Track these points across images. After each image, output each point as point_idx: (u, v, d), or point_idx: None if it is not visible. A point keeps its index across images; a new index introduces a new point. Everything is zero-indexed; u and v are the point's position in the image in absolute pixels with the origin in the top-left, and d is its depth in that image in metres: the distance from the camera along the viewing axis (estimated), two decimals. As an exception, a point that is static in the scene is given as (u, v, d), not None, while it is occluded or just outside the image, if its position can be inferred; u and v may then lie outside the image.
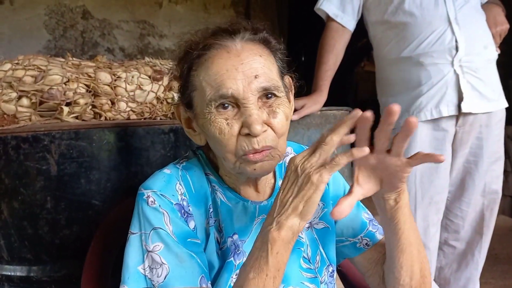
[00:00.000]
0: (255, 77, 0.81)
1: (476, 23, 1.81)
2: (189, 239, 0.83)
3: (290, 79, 0.94)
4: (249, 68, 0.81)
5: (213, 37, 0.85)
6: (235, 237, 0.90)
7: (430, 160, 0.75)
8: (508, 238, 3.37)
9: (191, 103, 0.88)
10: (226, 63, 0.82)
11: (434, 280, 2.01)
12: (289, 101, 0.91)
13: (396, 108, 0.69)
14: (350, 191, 0.78)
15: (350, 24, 1.89)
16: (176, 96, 1.82)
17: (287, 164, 0.77)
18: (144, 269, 0.80)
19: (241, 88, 0.80)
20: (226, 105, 0.82)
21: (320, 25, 1.97)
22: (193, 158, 0.96)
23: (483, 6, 1.91)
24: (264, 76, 0.82)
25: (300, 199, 0.72)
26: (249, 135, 0.80)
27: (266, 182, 0.96)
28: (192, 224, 0.86)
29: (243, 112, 0.81)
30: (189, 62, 0.87)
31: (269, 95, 0.84)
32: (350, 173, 2.05)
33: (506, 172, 3.99)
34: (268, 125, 0.83)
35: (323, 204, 1.01)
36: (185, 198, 0.87)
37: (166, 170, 0.91)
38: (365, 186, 0.79)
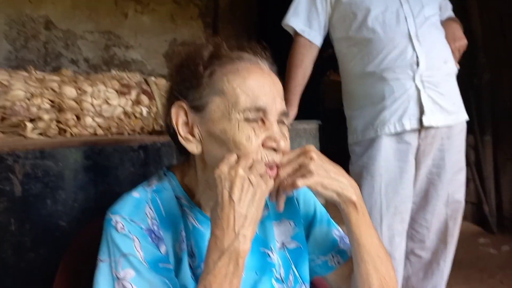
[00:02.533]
0: (280, 99, 0.88)
1: (436, 39, 1.88)
2: (160, 265, 0.82)
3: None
4: (277, 89, 0.88)
5: (246, 50, 0.89)
6: None
7: None
8: (470, 243, 3.47)
9: (203, 107, 0.86)
10: (262, 79, 0.86)
11: (401, 289, 2.05)
12: None
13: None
14: None
15: (317, 39, 1.93)
16: (145, 110, 1.80)
17: (219, 174, 0.79)
18: None
19: (270, 103, 0.84)
20: (255, 117, 0.84)
21: (290, 37, 2.00)
22: (163, 180, 0.94)
23: (442, 22, 1.98)
24: (283, 97, 0.89)
25: (257, 207, 0.76)
26: (273, 149, 0.84)
27: None
28: (163, 249, 0.85)
29: (268, 127, 0.84)
30: (212, 66, 0.86)
31: (282, 121, 0.88)
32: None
33: (467, 180, 4.14)
34: None
35: (295, 223, 1.01)
36: (155, 222, 0.86)
37: (135, 194, 0.89)
38: None
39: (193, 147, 0.88)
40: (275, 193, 0.86)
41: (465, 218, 3.92)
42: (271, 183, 0.83)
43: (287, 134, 0.89)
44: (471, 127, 3.96)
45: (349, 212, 0.88)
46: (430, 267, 2.00)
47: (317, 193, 0.88)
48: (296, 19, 1.91)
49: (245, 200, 0.75)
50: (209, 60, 0.87)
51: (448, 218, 1.95)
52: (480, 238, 3.67)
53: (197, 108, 0.87)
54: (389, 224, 1.88)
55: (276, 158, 0.84)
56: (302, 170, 0.84)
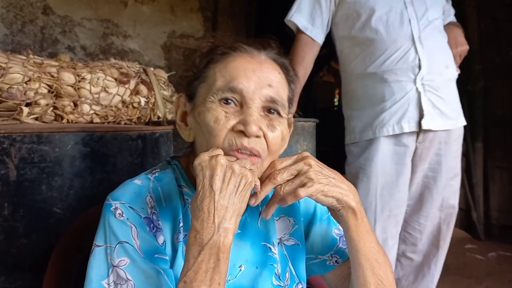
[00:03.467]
0: (269, 86, 0.83)
1: (438, 43, 1.89)
2: (156, 255, 0.80)
3: (292, 119, 0.95)
4: (266, 76, 0.84)
5: (243, 42, 0.89)
6: None
7: None
8: (458, 249, 3.50)
9: (195, 94, 0.88)
10: (246, 64, 0.84)
11: (391, 291, 2.05)
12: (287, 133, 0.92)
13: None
14: None
15: (319, 37, 1.92)
16: (143, 100, 1.78)
17: (200, 162, 0.75)
18: (108, 284, 0.77)
19: (252, 88, 0.81)
20: (229, 100, 0.82)
21: (288, 35, 1.99)
22: (167, 169, 0.93)
23: (445, 27, 1.99)
24: (276, 89, 0.85)
25: (240, 199, 0.71)
26: (242, 133, 0.80)
27: None
28: (161, 239, 0.83)
29: (244, 111, 0.81)
30: (210, 57, 0.88)
31: (272, 111, 0.85)
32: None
33: (458, 186, 4.19)
34: (264, 136, 0.83)
35: (294, 221, 1.00)
36: (155, 211, 0.84)
37: (137, 181, 0.88)
38: None
39: (186, 134, 0.92)
40: (258, 193, 0.81)
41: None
42: (258, 174, 0.80)
43: (278, 125, 0.84)
44: (463, 134, 3.99)
45: (348, 218, 0.87)
46: (421, 270, 2.01)
47: (316, 200, 0.84)
48: (299, 16, 1.90)
49: (227, 190, 0.71)
50: (206, 53, 0.90)
51: (442, 222, 1.96)
52: (467, 244, 3.70)
53: (190, 97, 0.90)
54: (383, 226, 1.88)
55: (246, 142, 0.80)
56: (301, 178, 0.81)
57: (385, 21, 1.82)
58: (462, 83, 3.83)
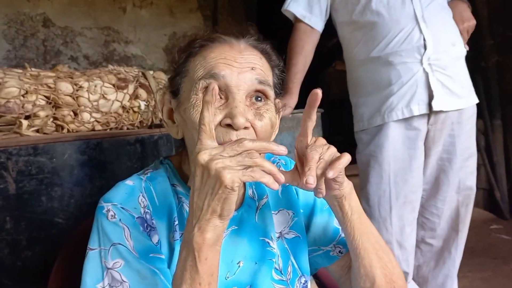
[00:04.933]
0: (252, 69, 0.81)
1: (443, 20, 1.82)
2: (151, 254, 0.79)
3: (280, 103, 0.93)
4: (247, 62, 0.82)
5: (220, 33, 0.87)
6: None
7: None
8: (482, 230, 3.43)
9: (178, 90, 0.87)
10: (226, 53, 0.82)
11: (413, 278, 2.00)
12: (276, 120, 0.89)
13: (319, 91, 0.72)
14: None
15: (318, 25, 1.87)
16: (143, 104, 1.77)
17: (195, 160, 0.67)
18: (103, 287, 0.76)
19: (235, 75, 0.80)
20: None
21: (291, 26, 1.95)
22: (159, 169, 0.92)
23: (449, 3, 1.92)
24: (260, 71, 0.83)
25: (216, 201, 0.66)
26: (230, 126, 0.77)
27: None
28: (155, 238, 0.82)
29: (229, 103, 0.79)
30: (188, 51, 0.87)
31: (259, 98, 0.82)
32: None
33: (478, 165, 4.09)
34: (252, 126, 0.80)
35: (293, 213, 0.98)
36: (148, 211, 0.83)
37: (129, 182, 0.87)
38: None
39: (174, 132, 0.90)
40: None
41: (476, 204, 3.86)
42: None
43: (266, 112, 0.82)
44: (480, 112, 3.89)
45: (353, 197, 0.83)
46: (441, 256, 1.95)
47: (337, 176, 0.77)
48: (296, 4, 1.86)
49: (203, 191, 0.67)
50: (185, 48, 0.88)
51: (460, 205, 1.89)
52: (492, 224, 3.61)
53: (174, 93, 0.88)
54: (399, 214, 1.82)
55: (234, 136, 0.77)
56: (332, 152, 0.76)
57: (386, 2, 1.76)
58: (475, 60, 3.77)
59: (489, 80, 3.81)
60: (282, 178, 0.66)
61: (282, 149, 0.68)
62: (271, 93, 0.84)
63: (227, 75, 0.79)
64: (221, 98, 0.80)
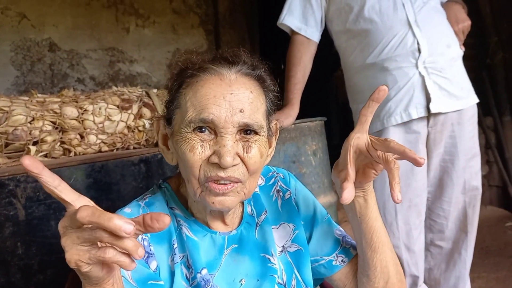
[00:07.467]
0: (240, 111, 0.80)
1: (437, 23, 1.83)
2: (150, 282, 0.80)
3: (277, 124, 0.94)
4: (237, 100, 0.81)
5: (211, 62, 0.85)
6: (204, 272, 0.87)
7: (407, 158, 0.78)
8: (497, 229, 3.36)
9: (171, 120, 0.88)
10: (215, 89, 0.81)
11: (425, 282, 2.00)
12: (269, 145, 0.91)
13: (385, 87, 0.80)
14: (346, 175, 0.80)
15: (314, 35, 1.90)
16: (147, 123, 1.81)
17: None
18: None
19: (223, 116, 0.79)
20: (203, 129, 0.81)
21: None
22: (157, 193, 0.93)
23: (443, 5, 1.93)
24: (249, 112, 0.81)
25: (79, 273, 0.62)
26: (217, 165, 0.79)
27: (234, 213, 0.94)
28: (154, 265, 0.84)
29: (218, 141, 0.80)
30: (180, 80, 0.86)
31: (249, 131, 0.83)
32: (330, 182, 2.05)
33: (490, 163, 4.05)
34: (241, 160, 0.82)
35: (294, 226, 0.99)
36: (145, 237, 0.85)
37: (127, 209, 0.88)
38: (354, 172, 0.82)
39: (169, 158, 0.91)
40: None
41: (490, 202, 3.84)
42: (244, 196, 0.78)
43: (254, 143, 0.83)
44: (489, 109, 3.87)
45: (371, 193, 0.88)
46: (452, 258, 1.95)
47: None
48: (291, 17, 1.89)
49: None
50: (177, 75, 0.88)
51: (467, 206, 1.89)
52: (507, 222, 3.55)
53: (168, 121, 0.89)
54: (405, 218, 1.83)
55: (222, 173, 0.79)
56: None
57: (378, 9, 1.78)
58: (480, 58, 3.76)
59: (496, 77, 3.78)
60: (141, 253, 0.56)
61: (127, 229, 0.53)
62: (260, 130, 0.84)
63: (215, 119, 0.79)
64: (210, 133, 0.81)
